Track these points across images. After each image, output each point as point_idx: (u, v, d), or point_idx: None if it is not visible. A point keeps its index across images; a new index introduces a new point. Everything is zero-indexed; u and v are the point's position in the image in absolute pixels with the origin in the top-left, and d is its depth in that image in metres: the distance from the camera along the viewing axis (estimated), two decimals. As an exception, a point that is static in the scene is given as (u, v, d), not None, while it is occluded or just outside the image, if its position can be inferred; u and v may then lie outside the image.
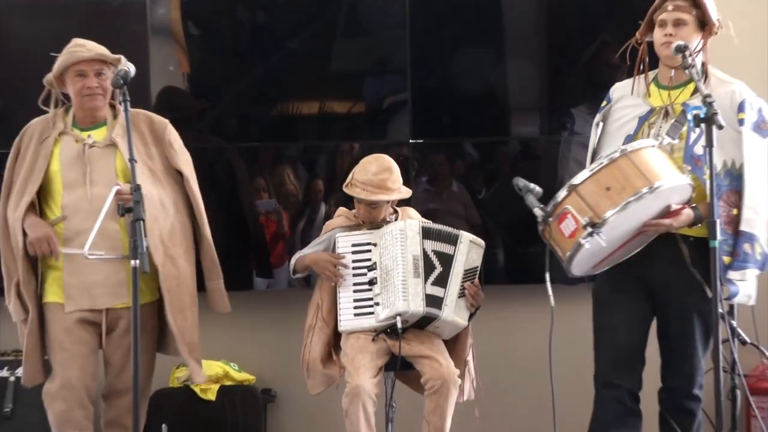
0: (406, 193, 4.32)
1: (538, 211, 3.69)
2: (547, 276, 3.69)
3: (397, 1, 5.20)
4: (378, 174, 4.23)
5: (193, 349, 4.28)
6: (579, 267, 3.74)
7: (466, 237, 4.23)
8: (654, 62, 4.05)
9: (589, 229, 3.58)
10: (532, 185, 3.76)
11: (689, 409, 4.04)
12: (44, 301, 4.20)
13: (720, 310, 3.67)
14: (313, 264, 4.29)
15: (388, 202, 4.29)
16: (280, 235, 5.29)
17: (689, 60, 3.75)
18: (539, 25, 5.39)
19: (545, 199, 3.77)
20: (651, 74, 4.06)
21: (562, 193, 3.67)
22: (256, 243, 5.30)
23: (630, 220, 3.65)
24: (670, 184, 3.65)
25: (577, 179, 3.66)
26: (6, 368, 4.95)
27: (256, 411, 5.15)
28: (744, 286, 3.92)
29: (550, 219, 3.67)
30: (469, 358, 4.32)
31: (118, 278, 4.06)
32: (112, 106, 4.23)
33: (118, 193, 3.89)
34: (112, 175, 4.14)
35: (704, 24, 3.93)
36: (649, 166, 3.64)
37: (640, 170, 3.62)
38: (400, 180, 4.29)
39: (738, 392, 4.93)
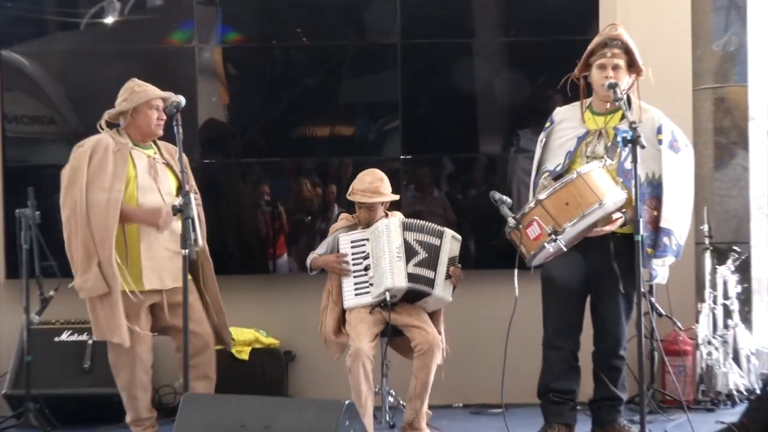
0: (395, 197, 4.38)
1: (511, 220, 3.78)
2: (516, 272, 3.72)
3: (391, 49, 5.42)
4: (372, 183, 4.34)
5: None
6: (537, 261, 3.94)
7: (448, 233, 4.33)
8: (588, 92, 4.10)
9: (553, 236, 3.65)
10: (505, 197, 3.83)
11: (616, 366, 4.17)
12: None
13: (642, 290, 3.88)
14: (324, 265, 4.39)
15: (382, 203, 4.31)
16: (299, 229, 5.42)
17: (618, 94, 3.76)
18: (501, 69, 5.57)
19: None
20: (586, 102, 4.06)
21: (530, 205, 3.72)
22: (279, 235, 5.40)
23: (582, 226, 3.76)
24: (613, 200, 3.89)
25: (542, 195, 3.79)
26: (85, 333, 4.93)
27: (280, 368, 5.36)
28: (661, 270, 3.97)
29: (521, 225, 3.68)
30: (441, 329, 4.33)
31: (178, 265, 3.96)
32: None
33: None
34: (171, 186, 4.27)
35: (631, 65, 3.93)
36: (597, 184, 3.88)
37: (591, 188, 3.81)
38: (390, 187, 4.36)
39: (656, 354, 4.95)
